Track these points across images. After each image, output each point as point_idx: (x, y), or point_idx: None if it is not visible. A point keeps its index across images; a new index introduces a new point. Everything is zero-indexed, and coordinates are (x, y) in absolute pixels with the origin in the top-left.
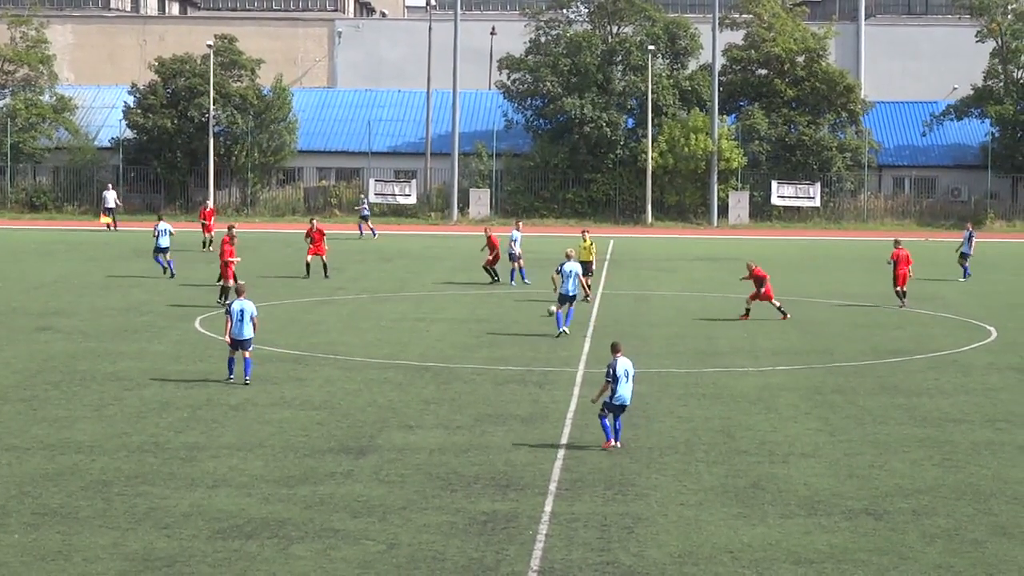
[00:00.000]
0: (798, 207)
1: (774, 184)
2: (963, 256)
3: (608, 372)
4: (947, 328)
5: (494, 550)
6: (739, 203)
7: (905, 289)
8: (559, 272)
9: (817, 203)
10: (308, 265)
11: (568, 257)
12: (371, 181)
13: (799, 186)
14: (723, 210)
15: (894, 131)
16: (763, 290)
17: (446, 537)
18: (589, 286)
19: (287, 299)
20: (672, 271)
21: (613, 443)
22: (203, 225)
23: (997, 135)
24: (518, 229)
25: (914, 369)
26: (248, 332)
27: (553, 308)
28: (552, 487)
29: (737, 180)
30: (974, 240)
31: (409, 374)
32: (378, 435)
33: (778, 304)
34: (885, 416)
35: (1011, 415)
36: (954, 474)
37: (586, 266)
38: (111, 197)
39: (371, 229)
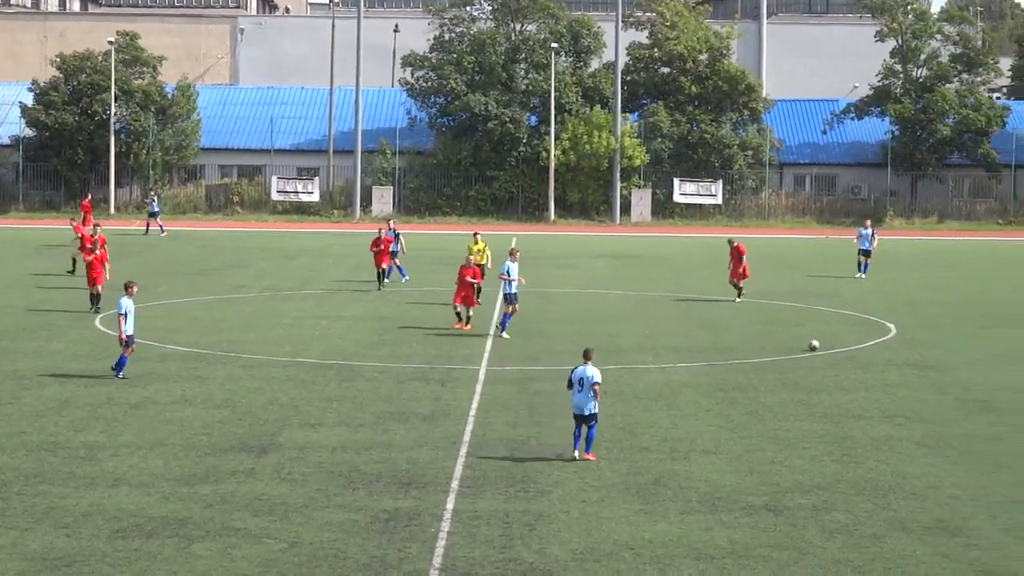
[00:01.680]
0: (700, 205)
1: (676, 182)
2: (864, 253)
3: (568, 379)
4: (846, 325)
5: (396, 548)
6: (641, 201)
7: (739, 283)
8: (506, 274)
9: (719, 201)
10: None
11: (512, 256)
12: (274, 179)
13: (701, 184)
14: (625, 208)
15: (795, 129)
16: (741, 268)
17: (348, 535)
18: (479, 290)
19: (188, 297)
20: (574, 268)
21: (576, 455)
22: (83, 218)
23: (896, 133)
24: (391, 227)
25: (814, 366)
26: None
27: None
28: (454, 485)
29: (640, 178)
30: (876, 237)
31: (311, 372)
32: (280, 433)
33: (740, 285)
34: (785, 412)
35: (909, 411)
36: (853, 470)
37: (479, 269)
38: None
39: (159, 225)
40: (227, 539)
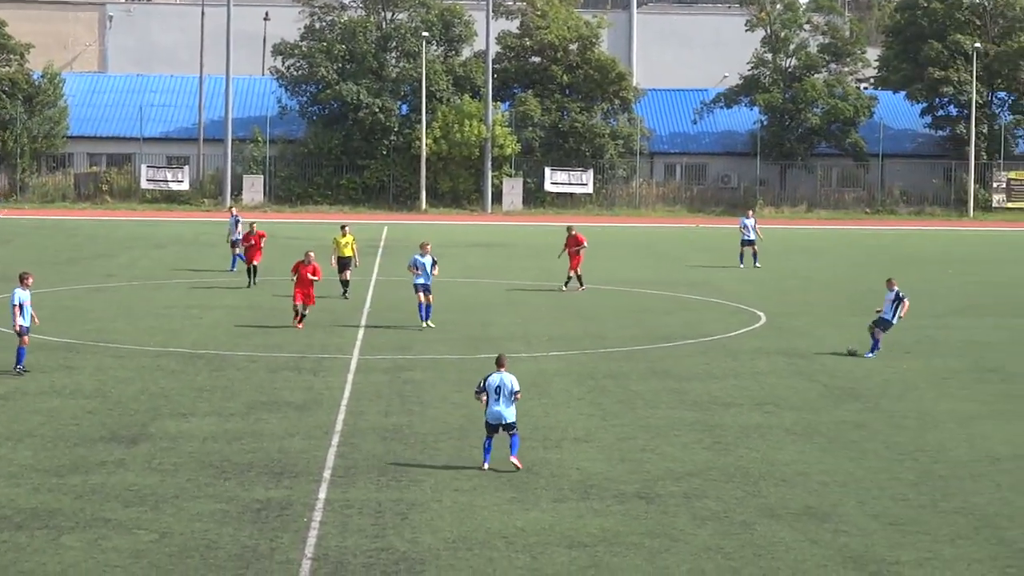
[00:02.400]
0: (571, 193)
1: (547, 171)
2: (748, 243)
3: (479, 385)
4: (717, 313)
5: (268, 538)
6: (513, 189)
7: (578, 273)
8: (413, 265)
9: (590, 190)
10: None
11: (422, 249)
12: (143, 167)
13: (572, 173)
14: (497, 196)
15: (666, 119)
16: (575, 257)
17: (219, 525)
18: (347, 282)
19: (58, 286)
20: (446, 258)
21: (486, 466)
22: None
23: (765, 123)
24: (233, 214)
25: (685, 354)
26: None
27: None
28: (326, 474)
29: (511, 167)
30: (757, 226)
31: (182, 362)
32: (150, 423)
33: (578, 275)
34: (656, 400)
35: (778, 399)
36: (724, 457)
37: (345, 262)
38: None
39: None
40: (97, 530)
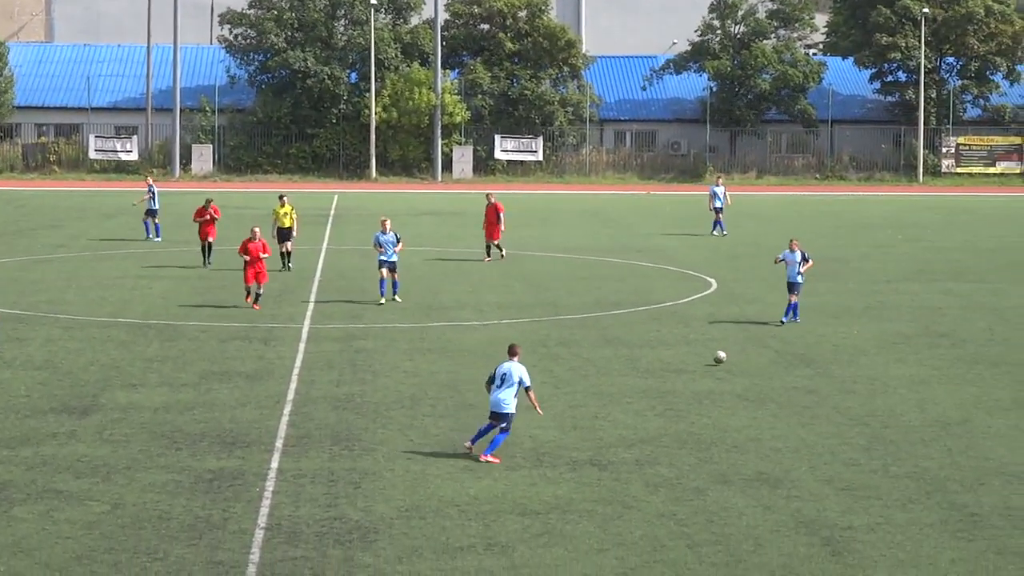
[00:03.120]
0: (521, 161)
1: (497, 138)
2: (718, 211)
3: (490, 376)
4: (668, 280)
5: (221, 508)
6: (463, 157)
7: (498, 242)
8: (376, 243)
9: (540, 157)
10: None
11: (383, 226)
12: (91, 137)
13: (522, 140)
14: (447, 164)
15: (615, 86)
16: (492, 227)
17: (172, 496)
18: (290, 252)
19: (5, 257)
20: (397, 227)
21: (471, 446)
22: None
23: (715, 89)
24: (150, 184)
25: (636, 321)
26: None
27: None
28: (279, 444)
29: (460, 135)
30: (727, 195)
31: (132, 332)
32: (101, 394)
33: (498, 244)
34: (608, 368)
35: (730, 365)
36: (676, 424)
37: (285, 232)
38: None
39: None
40: (49, 502)
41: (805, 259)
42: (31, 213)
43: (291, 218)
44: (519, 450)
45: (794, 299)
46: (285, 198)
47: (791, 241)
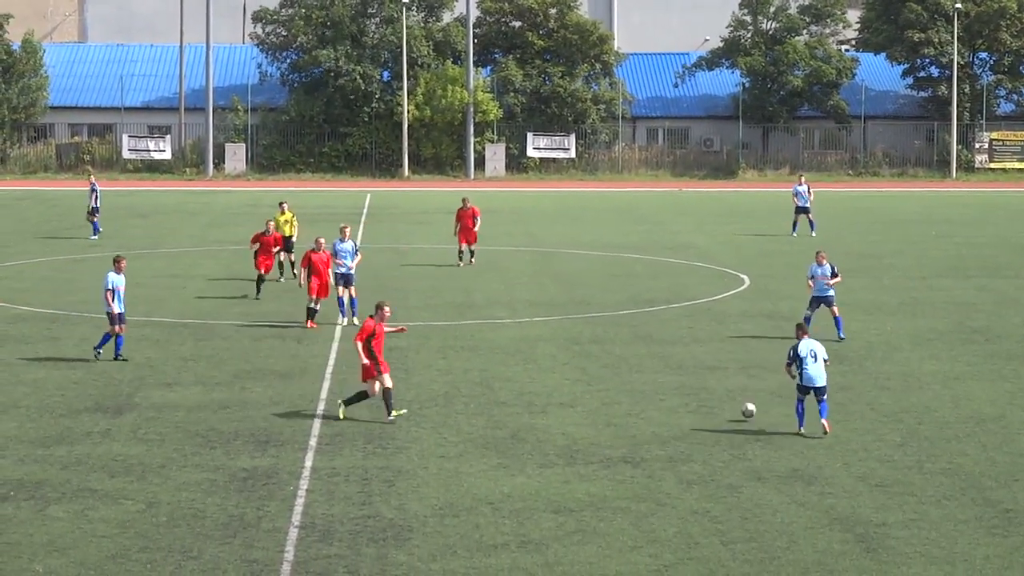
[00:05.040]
0: (554, 159)
1: (530, 136)
2: (802, 211)
3: (789, 354)
4: (701, 277)
5: (255, 506)
6: (495, 155)
7: (472, 247)
8: (334, 253)
9: (572, 155)
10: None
11: (342, 234)
12: (125, 137)
13: (554, 138)
14: (480, 162)
15: (647, 83)
16: (468, 231)
17: (206, 494)
18: (293, 263)
19: (40, 257)
20: (429, 224)
21: (802, 430)
22: None
23: (747, 86)
24: (93, 183)
25: (669, 318)
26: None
27: None
28: (312, 442)
29: (493, 132)
30: (811, 192)
31: (166, 331)
32: (135, 393)
33: (473, 250)
34: (641, 365)
35: (764, 361)
36: (709, 420)
37: (286, 241)
38: None
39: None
40: (84, 501)
41: (834, 274)
42: (65, 213)
43: (292, 226)
44: (552, 448)
45: (836, 312)
46: (285, 204)
47: (818, 253)
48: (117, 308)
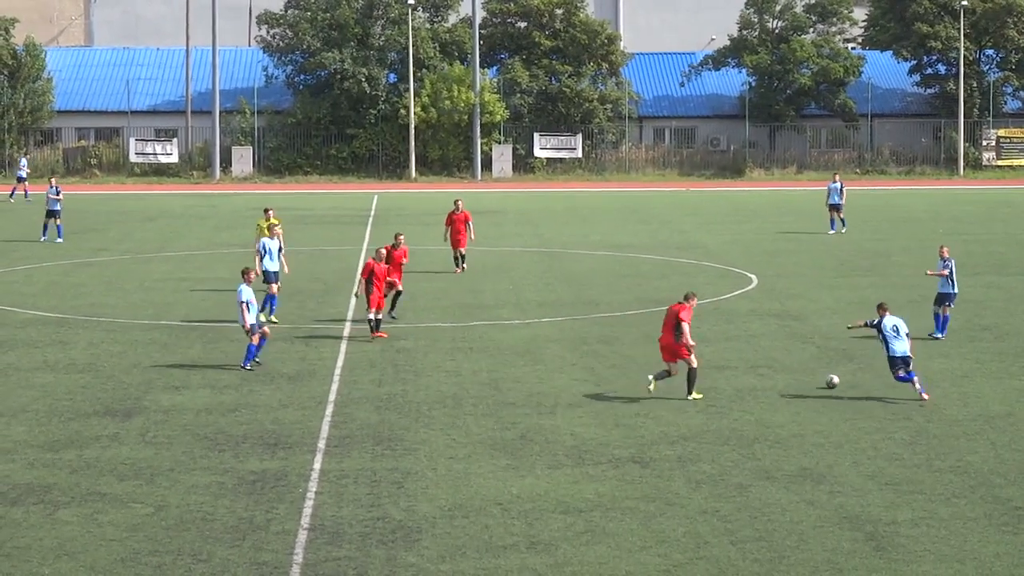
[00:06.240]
0: (561, 159)
1: (536, 136)
2: (834, 208)
3: (874, 326)
4: (709, 276)
5: (264, 509)
6: (502, 156)
7: (464, 252)
8: (261, 249)
9: (579, 155)
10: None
11: (270, 232)
12: (132, 140)
13: (561, 138)
14: (487, 163)
15: (653, 82)
16: (460, 236)
17: (215, 497)
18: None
19: (48, 261)
20: (437, 226)
21: (922, 394)
22: None
23: (754, 84)
24: (53, 185)
25: None
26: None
27: None
28: (321, 444)
29: (500, 133)
30: (844, 190)
31: (175, 334)
32: (144, 397)
33: (463, 254)
34: (650, 365)
35: (772, 361)
36: (718, 420)
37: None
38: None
39: (24, 191)
40: (93, 504)
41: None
42: (72, 217)
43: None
44: (561, 448)
45: (946, 311)
46: (271, 211)
47: (941, 248)
48: (251, 320)
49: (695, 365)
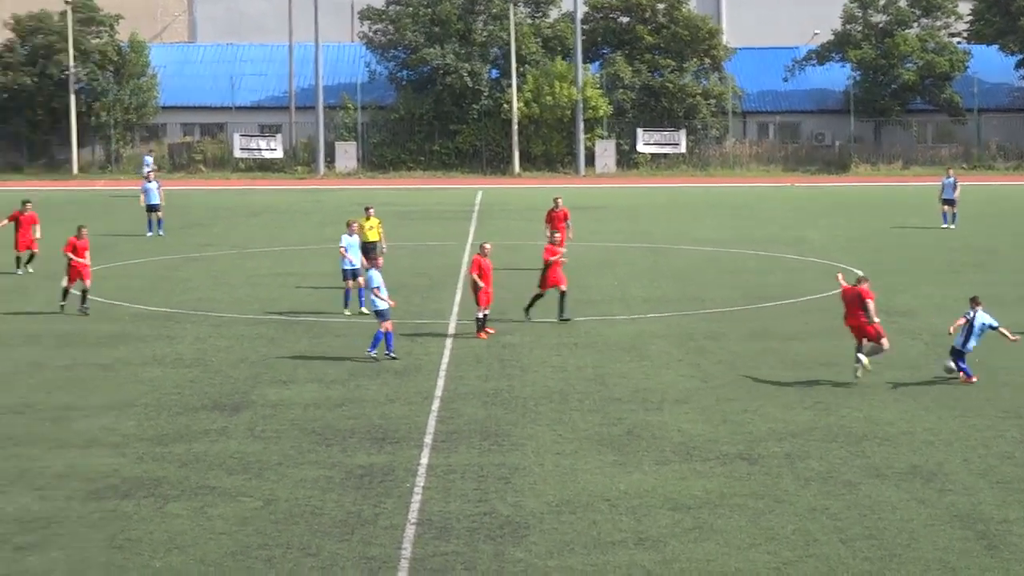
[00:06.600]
0: (664, 154)
1: (640, 132)
2: (947, 203)
3: (967, 319)
4: (815, 272)
5: (371, 503)
6: (606, 151)
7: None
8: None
9: (683, 150)
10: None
11: (349, 229)
12: (236, 136)
13: (665, 133)
14: (590, 159)
15: (757, 77)
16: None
17: (323, 492)
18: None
19: (155, 256)
20: (541, 221)
21: (970, 377)
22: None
23: (858, 79)
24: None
25: (783, 314)
26: None
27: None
28: (428, 439)
29: (603, 128)
30: (958, 186)
31: (281, 329)
32: (251, 391)
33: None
34: (757, 361)
35: (881, 357)
36: (826, 417)
37: (370, 247)
38: None
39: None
40: (203, 498)
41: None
42: (178, 212)
43: (377, 231)
44: (668, 444)
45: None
46: (371, 210)
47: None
48: (382, 306)
49: (886, 347)
